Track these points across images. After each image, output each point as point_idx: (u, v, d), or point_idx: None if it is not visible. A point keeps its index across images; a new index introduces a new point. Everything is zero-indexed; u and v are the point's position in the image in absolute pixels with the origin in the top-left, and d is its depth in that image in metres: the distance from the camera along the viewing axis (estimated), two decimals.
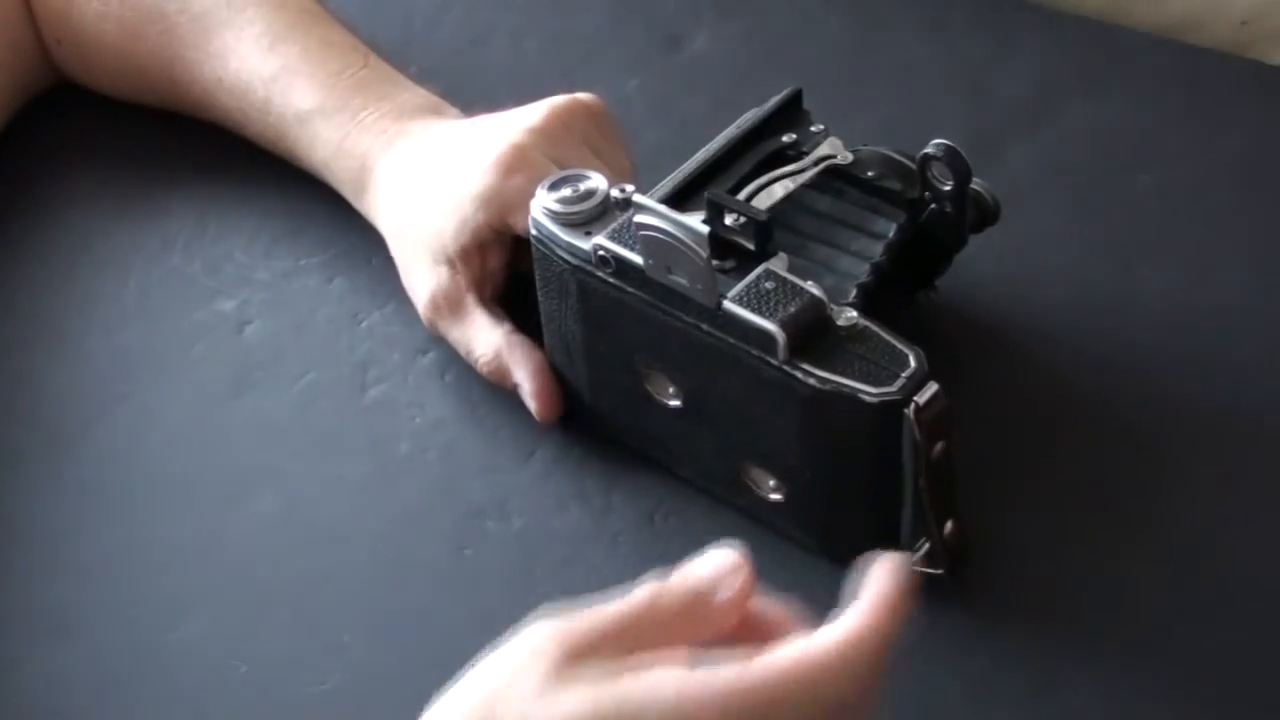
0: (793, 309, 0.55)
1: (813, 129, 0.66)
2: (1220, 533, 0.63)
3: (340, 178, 0.72)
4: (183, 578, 0.63)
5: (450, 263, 0.67)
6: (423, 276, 0.68)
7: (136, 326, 0.72)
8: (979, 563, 0.61)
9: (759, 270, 0.56)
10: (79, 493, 0.67)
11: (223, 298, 0.73)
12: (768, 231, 0.58)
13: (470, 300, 0.67)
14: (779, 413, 0.56)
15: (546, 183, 0.61)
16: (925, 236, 0.64)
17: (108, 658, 0.61)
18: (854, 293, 0.60)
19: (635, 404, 0.62)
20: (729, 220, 0.58)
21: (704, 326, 0.57)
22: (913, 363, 0.54)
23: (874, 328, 0.55)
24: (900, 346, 0.55)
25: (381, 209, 0.71)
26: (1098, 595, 0.61)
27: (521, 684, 0.44)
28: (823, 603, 0.46)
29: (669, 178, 0.63)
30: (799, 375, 0.54)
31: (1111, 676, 0.59)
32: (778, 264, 0.57)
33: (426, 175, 0.68)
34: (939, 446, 0.55)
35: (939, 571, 0.58)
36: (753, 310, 0.55)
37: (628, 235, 0.58)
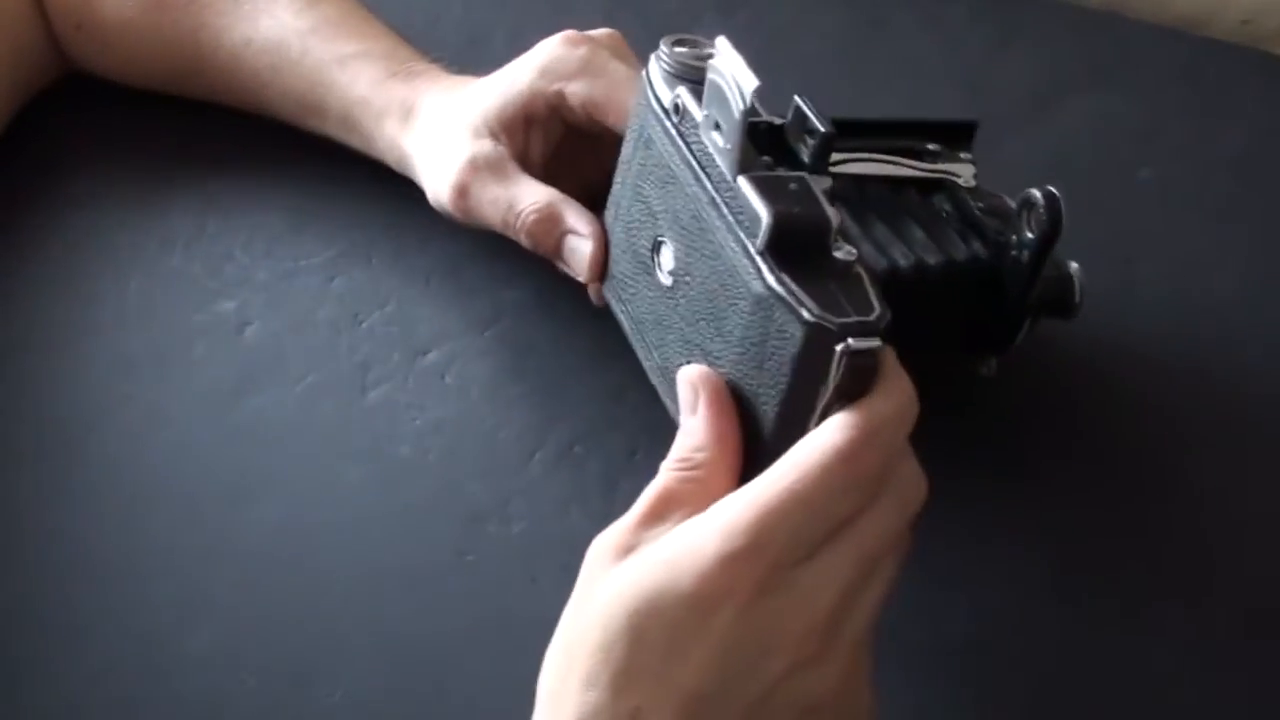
0: (796, 209, 0.53)
1: (961, 155, 0.66)
2: (1221, 532, 0.63)
3: (377, 108, 0.71)
4: (187, 585, 0.64)
5: (494, 134, 0.67)
6: (459, 146, 0.67)
7: (137, 328, 0.72)
8: (976, 559, 0.61)
9: (797, 175, 0.55)
10: (81, 495, 0.67)
11: (223, 298, 0.73)
12: (827, 145, 0.57)
13: (513, 166, 0.66)
14: (733, 309, 0.55)
15: (671, 38, 0.61)
16: (993, 284, 0.63)
17: (116, 668, 0.62)
18: (883, 265, 0.59)
19: (640, 276, 0.61)
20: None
21: (718, 198, 0.55)
22: (874, 314, 0.52)
23: (864, 275, 0.53)
24: (875, 301, 0.52)
25: (419, 130, 0.70)
26: (1097, 595, 0.62)
27: (582, 594, 0.50)
28: None
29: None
30: (763, 270, 0.53)
31: (1112, 678, 0.59)
32: (818, 183, 0.55)
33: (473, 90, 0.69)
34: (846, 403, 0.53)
35: None
36: (759, 194, 0.54)
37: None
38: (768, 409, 0.53)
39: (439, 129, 0.69)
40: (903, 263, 0.60)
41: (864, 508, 0.49)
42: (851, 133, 0.62)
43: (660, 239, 0.59)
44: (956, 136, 0.66)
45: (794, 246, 0.53)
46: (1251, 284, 0.70)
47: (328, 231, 0.74)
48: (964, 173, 0.65)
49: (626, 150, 0.63)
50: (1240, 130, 0.76)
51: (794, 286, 0.52)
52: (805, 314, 0.51)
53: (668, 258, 0.59)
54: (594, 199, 0.65)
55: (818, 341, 0.51)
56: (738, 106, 0.53)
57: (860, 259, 0.54)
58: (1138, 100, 0.77)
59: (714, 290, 0.56)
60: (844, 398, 0.50)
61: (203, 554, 0.65)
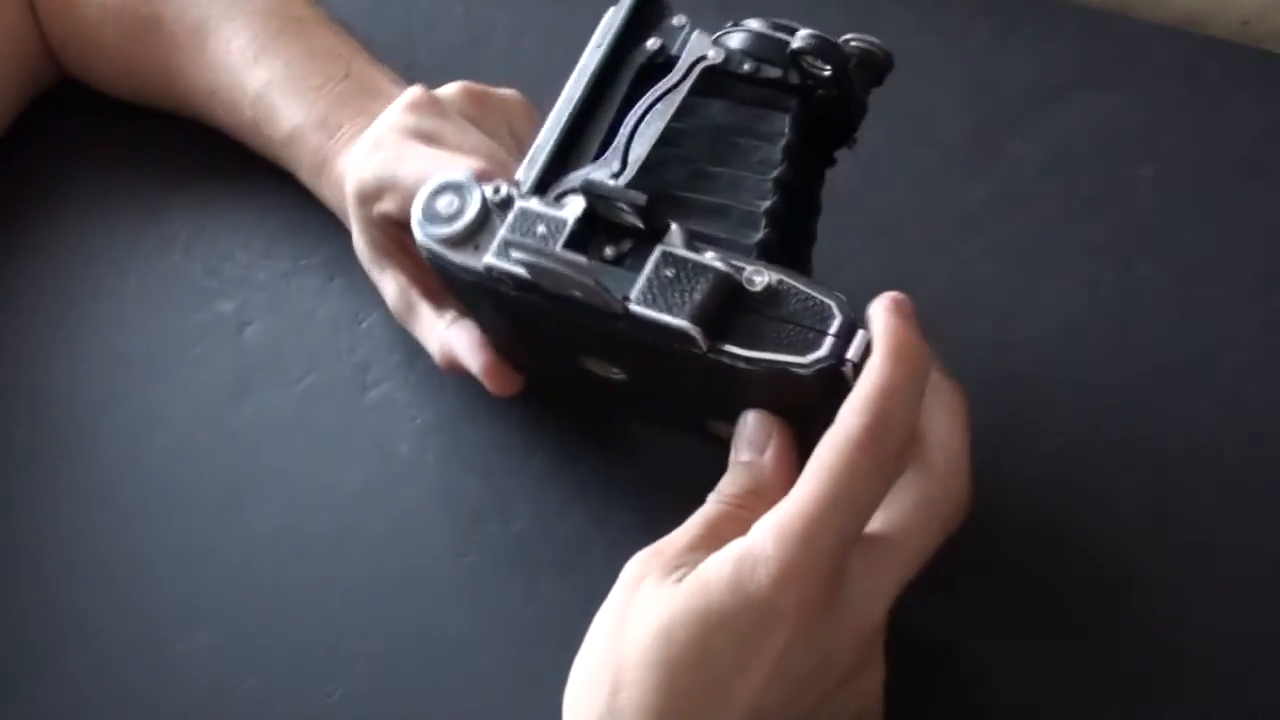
0: (700, 295, 0.51)
1: (674, 22, 0.60)
2: (1221, 533, 0.63)
3: (328, 199, 0.71)
4: (187, 585, 0.64)
5: (380, 267, 0.66)
6: (380, 288, 0.67)
7: (136, 327, 0.72)
8: (971, 553, 0.61)
9: (656, 256, 0.52)
10: (80, 495, 0.67)
11: (222, 298, 0.73)
12: (655, 210, 0.53)
13: (414, 297, 0.66)
14: (722, 383, 0.54)
15: (419, 203, 0.57)
16: (823, 118, 0.60)
17: (114, 669, 0.62)
18: (763, 225, 0.55)
19: (583, 379, 0.60)
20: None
21: (620, 326, 0.53)
22: (837, 315, 0.51)
23: (789, 281, 0.52)
24: (820, 297, 0.51)
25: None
26: (1096, 595, 0.61)
27: (621, 611, 0.49)
28: None
29: (547, 126, 0.59)
30: (725, 360, 0.52)
31: (1112, 680, 0.59)
32: (675, 239, 0.53)
33: None
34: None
35: None
36: (660, 308, 0.52)
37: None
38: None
39: (361, 263, 0.68)
40: (771, 199, 0.56)
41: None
42: (585, 124, 0.59)
43: (579, 356, 0.58)
44: (653, 12, 0.60)
45: (723, 318, 0.52)
46: (1252, 284, 0.70)
47: (328, 231, 0.74)
48: (704, 46, 0.59)
49: (468, 308, 0.61)
50: (1241, 129, 0.76)
51: (763, 355, 0.51)
52: (798, 370, 0.51)
53: (606, 365, 0.58)
54: None
55: (824, 376, 0.51)
56: (587, 284, 0.51)
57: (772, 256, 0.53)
58: (1138, 99, 0.77)
59: (687, 376, 0.54)
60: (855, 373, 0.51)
61: (202, 553, 0.65)
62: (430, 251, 0.56)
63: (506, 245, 0.54)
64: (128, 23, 0.74)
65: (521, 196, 0.55)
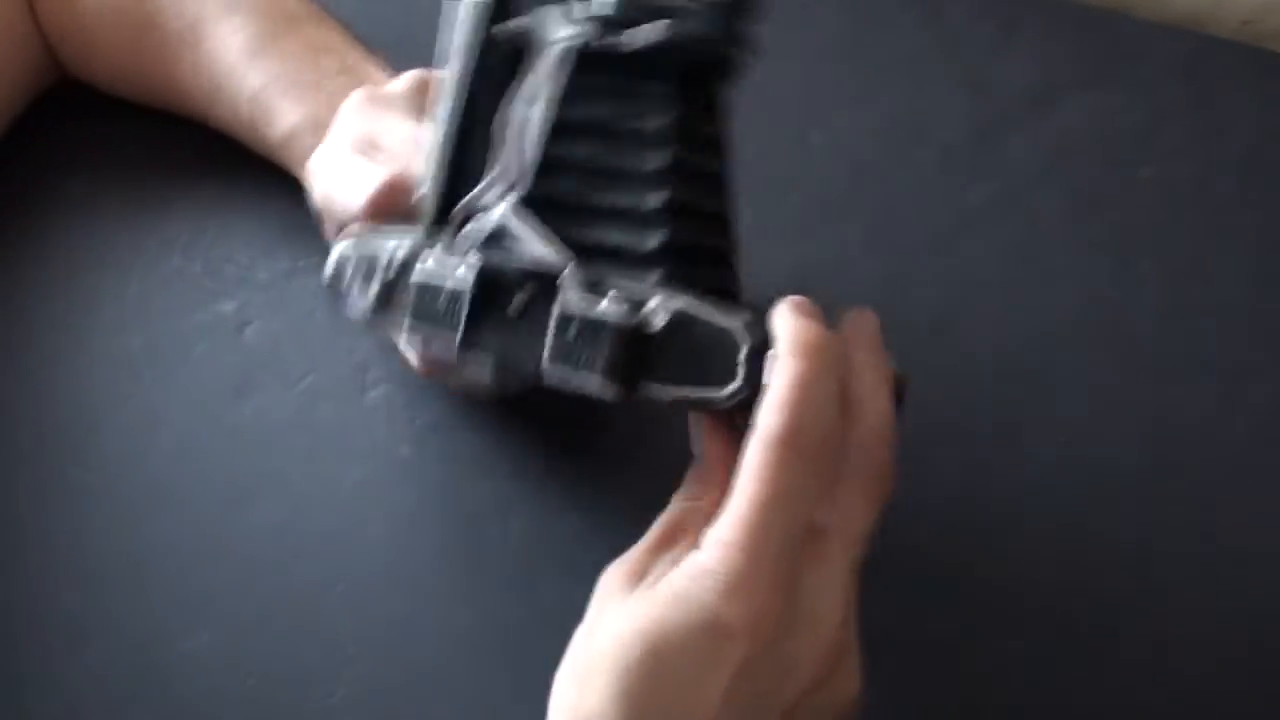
0: (606, 348, 0.50)
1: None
2: (1221, 532, 0.63)
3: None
4: (188, 586, 0.64)
5: None
6: None
7: (137, 328, 0.72)
8: (971, 553, 0.61)
9: (556, 316, 0.51)
10: (81, 497, 0.67)
11: (223, 299, 0.73)
12: (546, 278, 0.52)
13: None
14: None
15: (327, 276, 0.57)
16: (703, 73, 0.55)
17: (115, 670, 0.62)
18: (659, 226, 0.52)
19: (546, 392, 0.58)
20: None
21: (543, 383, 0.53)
22: (743, 343, 0.49)
23: (690, 312, 0.50)
24: (724, 324, 0.50)
25: None
26: (1096, 594, 0.61)
27: (594, 621, 0.50)
28: None
29: (433, 146, 0.56)
30: (645, 403, 0.51)
31: (1113, 679, 0.59)
32: (570, 290, 0.51)
33: None
34: None
35: None
36: (570, 369, 0.51)
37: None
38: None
39: None
40: (658, 239, 0.53)
41: (836, 478, 0.49)
42: (466, 146, 0.56)
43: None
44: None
45: (633, 363, 0.51)
46: (1252, 284, 0.70)
47: None
48: (566, 18, 0.54)
49: None
50: (1241, 129, 0.76)
51: (681, 393, 0.50)
52: (717, 404, 0.50)
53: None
54: None
55: (746, 402, 0.49)
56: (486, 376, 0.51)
57: (651, 288, 0.51)
58: (1138, 99, 0.77)
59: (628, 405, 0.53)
60: None
61: (202, 554, 0.65)
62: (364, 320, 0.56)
63: (414, 329, 0.54)
64: (125, 21, 0.74)
65: (419, 249, 0.54)
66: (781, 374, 0.48)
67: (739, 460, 0.49)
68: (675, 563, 0.48)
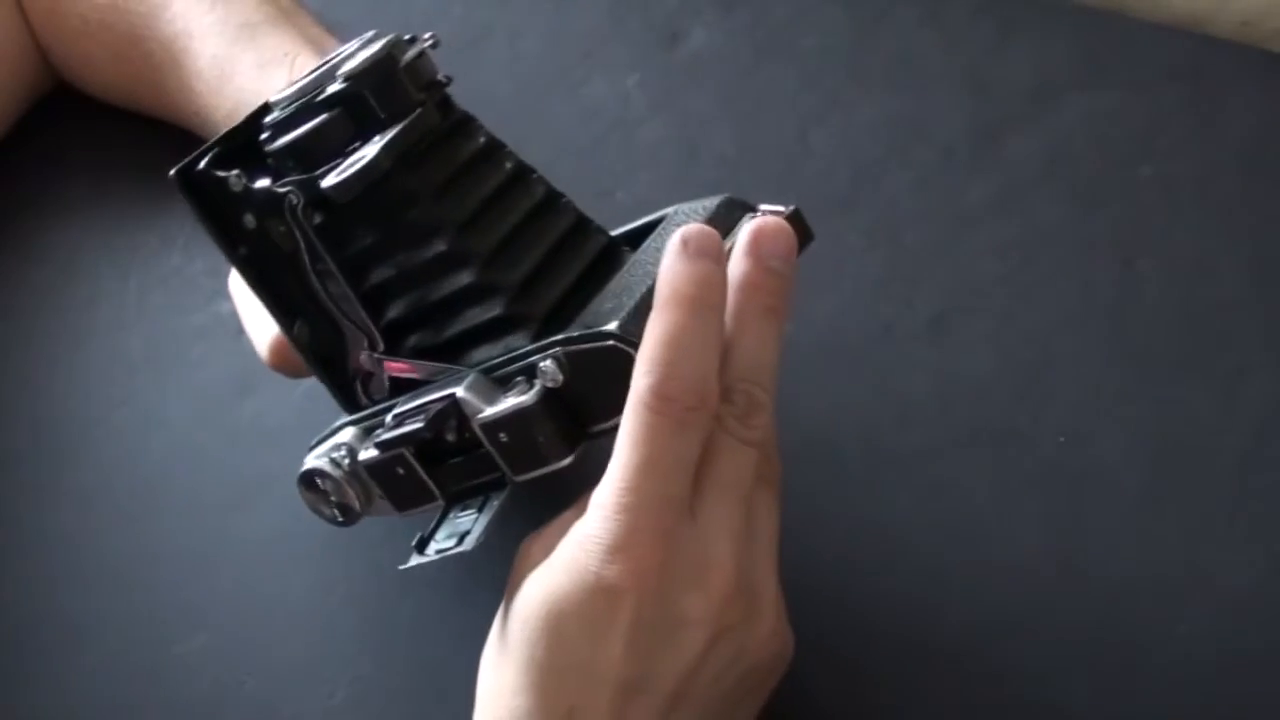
0: (543, 427, 0.51)
1: (230, 175, 0.55)
2: (1221, 532, 0.63)
3: None
4: (187, 585, 0.64)
5: None
6: None
7: (137, 329, 0.72)
8: (971, 552, 0.61)
9: (480, 432, 0.52)
10: (80, 496, 0.67)
11: (223, 299, 0.72)
12: (451, 406, 0.52)
13: None
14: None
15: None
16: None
17: (115, 670, 0.62)
18: (501, 303, 0.54)
19: None
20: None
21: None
22: (628, 346, 0.49)
23: (569, 350, 0.50)
24: (600, 343, 0.50)
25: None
26: (1096, 593, 0.61)
27: (508, 596, 0.51)
28: None
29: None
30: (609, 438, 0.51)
31: (1113, 679, 0.59)
32: (472, 403, 0.52)
33: None
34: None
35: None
36: (533, 464, 0.52)
37: None
38: None
39: None
40: (500, 305, 0.54)
41: (712, 433, 0.49)
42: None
43: None
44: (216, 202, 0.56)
45: (577, 425, 0.51)
46: (1252, 284, 0.70)
47: None
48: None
49: None
50: (1241, 129, 0.76)
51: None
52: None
53: None
54: None
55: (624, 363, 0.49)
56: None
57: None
58: (1138, 99, 0.77)
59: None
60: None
61: (202, 554, 0.65)
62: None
63: (400, 509, 0.56)
64: (108, 37, 0.74)
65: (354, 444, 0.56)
66: (650, 331, 0.48)
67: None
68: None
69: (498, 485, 0.53)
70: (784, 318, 0.50)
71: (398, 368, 0.56)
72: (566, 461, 0.51)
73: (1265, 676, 0.59)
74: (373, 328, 0.56)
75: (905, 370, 0.68)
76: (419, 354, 0.55)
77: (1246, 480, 0.64)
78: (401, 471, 0.54)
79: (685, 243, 0.48)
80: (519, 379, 0.51)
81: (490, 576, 0.63)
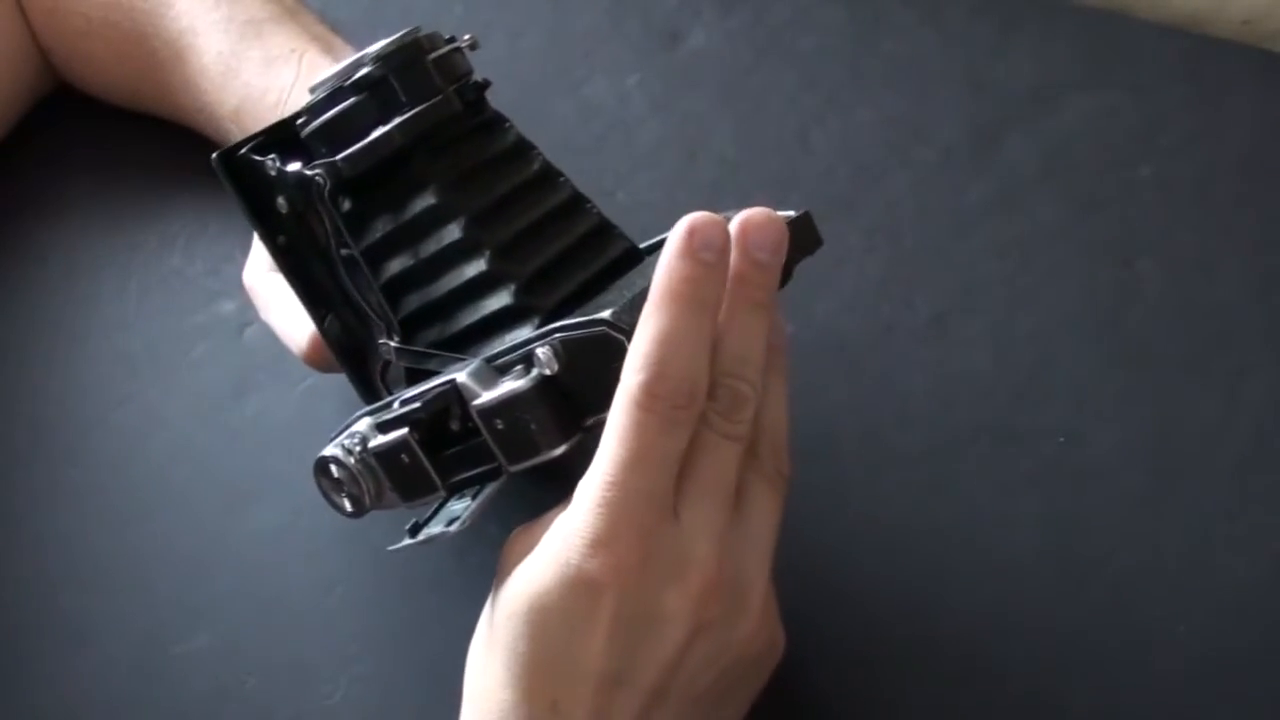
0: (539, 414, 0.51)
1: (268, 161, 0.56)
2: (1221, 532, 0.63)
3: None
4: (187, 585, 0.64)
5: None
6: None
7: (137, 328, 0.72)
8: (971, 552, 0.61)
9: (479, 418, 0.52)
10: (80, 495, 0.67)
11: (223, 298, 0.73)
12: (452, 393, 0.53)
13: None
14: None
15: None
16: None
17: (115, 670, 0.62)
18: (508, 293, 0.54)
19: None
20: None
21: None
22: (623, 335, 0.49)
23: (565, 337, 0.50)
24: (594, 331, 0.50)
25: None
26: (1096, 592, 0.61)
27: (493, 591, 0.51)
28: None
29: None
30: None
31: (1113, 678, 0.59)
32: (471, 388, 0.52)
33: None
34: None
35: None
36: (528, 453, 0.52)
37: None
38: None
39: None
40: (508, 295, 0.54)
41: (698, 432, 0.49)
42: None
43: None
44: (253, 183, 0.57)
45: (572, 414, 0.51)
46: (1252, 284, 0.70)
47: None
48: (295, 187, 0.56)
49: None
50: (1241, 128, 0.76)
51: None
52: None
53: None
54: None
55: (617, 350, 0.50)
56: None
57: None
58: (1138, 99, 0.77)
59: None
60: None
61: (202, 554, 0.65)
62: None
63: (407, 501, 0.56)
64: (112, 35, 0.74)
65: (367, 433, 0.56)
66: (643, 327, 0.48)
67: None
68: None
69: (495, 476, 0.53)
70: (771, 311, 0.50)
71: (413, 359, 0.56)
72: (559, 451, 0.51)
73: (1265, 676, 0.59)
74: (393, 318, 0.56)
75: (905, 370, 0.68)
76: (434, 346, 0.56)
77: (1246, 480, 0.64)
78: (406, 459, 0.54)
79: (690, 233, 0.48)
80: (518, 367, 0.52)
81: (490, 576, 0.63)
